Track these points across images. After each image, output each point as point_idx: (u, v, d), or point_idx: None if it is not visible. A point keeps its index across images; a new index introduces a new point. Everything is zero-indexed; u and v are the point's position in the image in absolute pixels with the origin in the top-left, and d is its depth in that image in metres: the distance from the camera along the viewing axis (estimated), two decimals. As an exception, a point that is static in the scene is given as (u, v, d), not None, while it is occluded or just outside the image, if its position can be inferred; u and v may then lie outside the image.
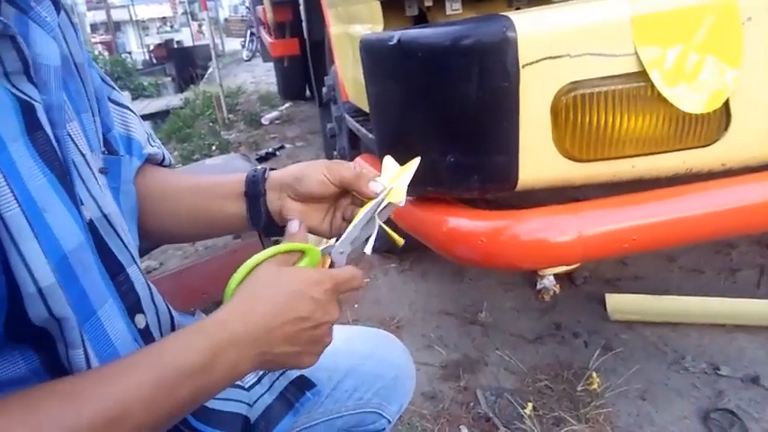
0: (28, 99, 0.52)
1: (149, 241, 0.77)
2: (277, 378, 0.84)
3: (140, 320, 0.64)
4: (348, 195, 0.75)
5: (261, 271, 0.60)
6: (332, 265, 0.67)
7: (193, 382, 0.51)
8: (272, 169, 0.78)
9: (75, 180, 0.57)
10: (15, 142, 0.49)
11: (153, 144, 0.82)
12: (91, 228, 0.58)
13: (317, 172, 0.72)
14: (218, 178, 0.81)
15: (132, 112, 0.79)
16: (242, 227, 0.79)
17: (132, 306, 0.63)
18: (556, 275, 2.18)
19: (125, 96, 0.81)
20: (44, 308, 0.48)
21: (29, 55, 0.52)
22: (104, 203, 0.62)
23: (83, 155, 0.60)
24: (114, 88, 0.77)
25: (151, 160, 0.81)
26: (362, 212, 0.69)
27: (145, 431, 0.50)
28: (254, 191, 0.76)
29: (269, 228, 0.77)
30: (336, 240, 0.69)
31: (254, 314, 0.56)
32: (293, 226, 0.68)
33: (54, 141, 0.54)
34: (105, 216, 0.62)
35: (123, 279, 0.63)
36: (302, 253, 0.65)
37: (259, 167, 0.79)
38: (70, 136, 0.58)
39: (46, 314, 0.48)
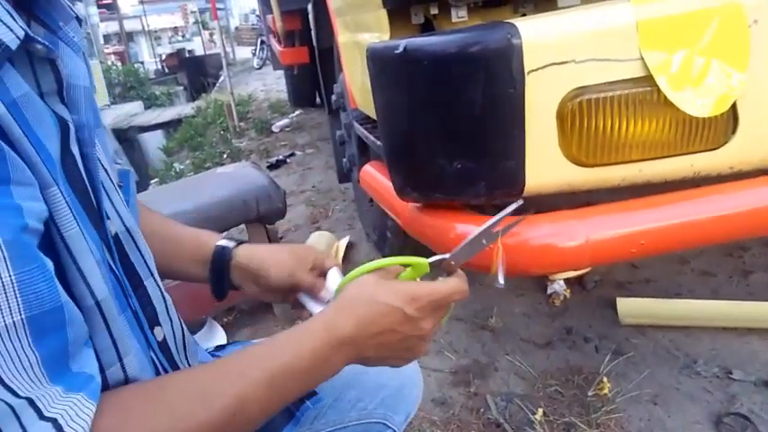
0: (63, 118, 0.53)
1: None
2: None
3: (159, 333, 0.66)
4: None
5: (365, 280, 0.64)
6: (447, 274, 0.69)
7: (301, 380, 0.57)
8: (240, 243, 0.83)
9: (102, 196, 0.58)
10: (57, 161, 0.51)
11: (119, 162, 0.82)
12: (116, 241, 0.60)
13: (279, 271, 0.79)
14: (187, 237, 0.85)
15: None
16: (202, 282, 0.85)
17: (150, 318, 0.65)
18: (566, 280, 2.18)
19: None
20: (102, 321, 0.51)
21: (64, 76, 0.53)
22: (126, 217, 0.64)
23: (105, 170, 0.62)
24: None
25: None
26: (483, 226, 0.71)
27: (255, 423, 0.55)
28: (220, 267, 0.82)
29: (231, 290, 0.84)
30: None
31: (352, 320, 0.59)
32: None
33: (80, 160, 0.55)
34: (128, 229, 0.63)
35: (142, 292, 0.64)
36: (409, 265, 0.68)
37: (225, 244, 0.82)
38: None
39: (104, 328, 0.52)
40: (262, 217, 2.19)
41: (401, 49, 1.08)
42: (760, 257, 2.23)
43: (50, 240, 0.48)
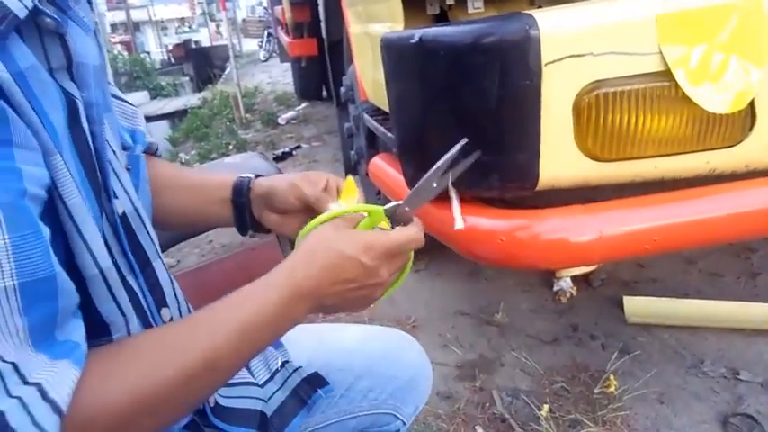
0: (71, 94, 0.54)
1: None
2: (290, 375, 0.85)
3: (165, 314, 0.66)
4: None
5: (320, 230, 0.64)
6: (403, 223, 0.70)
7: (268, 330, 0.58)
8: (258, 176, 0.83)
9: (110, 174, 0.59)
10: (63, 135, 0.51)
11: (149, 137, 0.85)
12: (123, 221, 0.60)
13: (284, 189, 0.78)
14: (209, 180, 0.86)
15: (130, 104, 0.82)
16: (231, 226, 0.85)
17: (158, 300, 0.65)
18: (573, 277, 2.17)
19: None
20: (106, 290, 0.52)
21: (73, 53, 0.54)
22: (134, 198, 0.64)
23: (113, 151, 0.62)
24: (110, 83, 0.78)
25: (149, 149, 0.84)
26: (430, 170, 0.72)
27: (228, 375, 0.57)
28: (240, 200, 0.82)
29: (256, 229, 0.84)
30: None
31: (312, 271, 0.60)
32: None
33: (90, 138, 0.55)
34: (136, 210, 0.64)
35: (150, 272, 0.64)
36: (365, 213, 0.68)
37: (245, 176, 0.83)
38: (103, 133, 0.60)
39: (109, 296, 0.52)
40: (269, 207, 2.18)
41: (416, 39, 1.07)
42: (768, 259, 2.22)
43: (54, 208, 0.48)
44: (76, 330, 0.47)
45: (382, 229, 0.69)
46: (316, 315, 2.17)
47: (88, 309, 0.51)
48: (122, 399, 0.47)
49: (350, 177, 0.80)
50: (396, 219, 0.69)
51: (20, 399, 0.41)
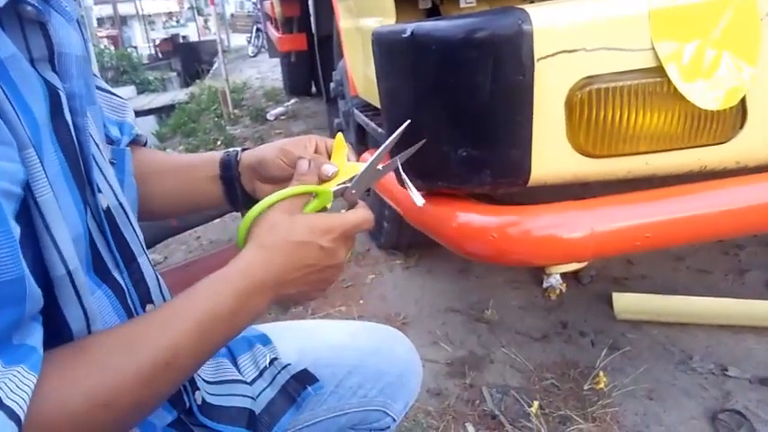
0: (53, 85, 0.52)
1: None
2: (279, 372, 0.84)
3: (150, 310, 0.65)
4: None
5: (272, 218, 0.62)
6: (350, 204, 0.69)
7: (227, 325, 0.56)
8: (245, 149, 0.81)
9: (93, 168, 0.57)
10: (44, 126, 0.50)
11: (139, 133, 0.83)
12: (108, 215, 0.59)
13: (274, 156, 0.75)
14: (195, 159, 0.84)
15: (117, 95, 0.80)
16: (223, 205, 0.82)
17: (142, 296, 0.64)
18: (562, 274, 2.17)
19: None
20: (73, 291, 0.50)
21: (55, 43, 0.53)
22: (119, 193, 0.63)
23: (97, 145, 0.61)
24: (96, 75, 0.77)
25: (137, 141, 0.82)
26: (375, 153, 0.71)
27: (189, 372, 0.56)
28: (229, 174, 0.80)
29: (249, 204, 0.79)
30: (349, 180, 0.70)
31: (272, 264, 0.59)
32: (303, 165, 0.69)
33: (73, 130, 0.54)
34: (121, 204, 0.62)
35: (135, 268, 0.63)
36: (313, 194, 0.67)
37: (232, 150, 0.81)
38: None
39: (75, 299, 0.50)
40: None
41: (408, 33, 1.06)
42: (755, 256, 2.23)
43: (26, 205, 0.46)
44: (34, 334, 0.46)
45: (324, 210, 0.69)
46: (305, 311, 2.16)
47: (51, 311, 0.49)
48: (81, 403, 0.46)
49: (339, 135, 0.78)
50: (340, 200, 0.69)
51: None
